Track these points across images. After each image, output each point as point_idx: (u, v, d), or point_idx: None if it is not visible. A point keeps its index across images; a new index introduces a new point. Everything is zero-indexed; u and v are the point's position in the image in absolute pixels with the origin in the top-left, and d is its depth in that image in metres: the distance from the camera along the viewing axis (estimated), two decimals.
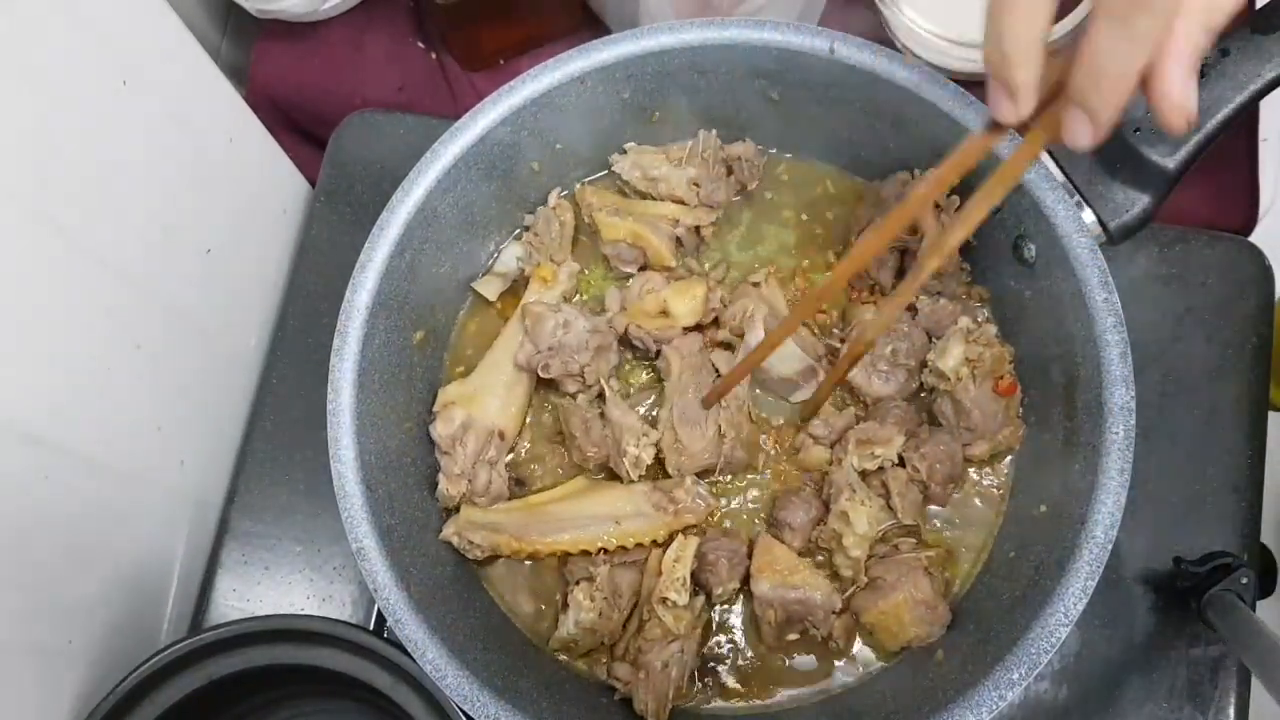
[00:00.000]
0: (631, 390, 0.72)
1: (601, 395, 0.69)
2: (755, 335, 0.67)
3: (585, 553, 0.66)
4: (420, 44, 0.90)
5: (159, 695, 0.59)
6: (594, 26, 0.87)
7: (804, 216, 0.75)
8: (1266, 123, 0.85)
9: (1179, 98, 0.42)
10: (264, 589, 0.76)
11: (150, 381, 0.68)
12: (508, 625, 0.67)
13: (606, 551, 0.66)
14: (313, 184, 0.86)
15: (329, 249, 0.82)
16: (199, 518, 0.77)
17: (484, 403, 0.69)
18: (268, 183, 0.83)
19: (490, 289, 0.74)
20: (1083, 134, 0.44)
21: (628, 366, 0.72)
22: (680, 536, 0.66)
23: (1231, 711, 0.70)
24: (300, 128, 0.92)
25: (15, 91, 0.52)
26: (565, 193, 0.76)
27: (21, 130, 0.53)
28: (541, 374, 0.68)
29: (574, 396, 0.70)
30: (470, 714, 0.56)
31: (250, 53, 0.91)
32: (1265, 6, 0.62)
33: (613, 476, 0.69)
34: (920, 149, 0.67)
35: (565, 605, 0.65)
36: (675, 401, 0.67)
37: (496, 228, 0.74)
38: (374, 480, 0.62)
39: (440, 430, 0.67)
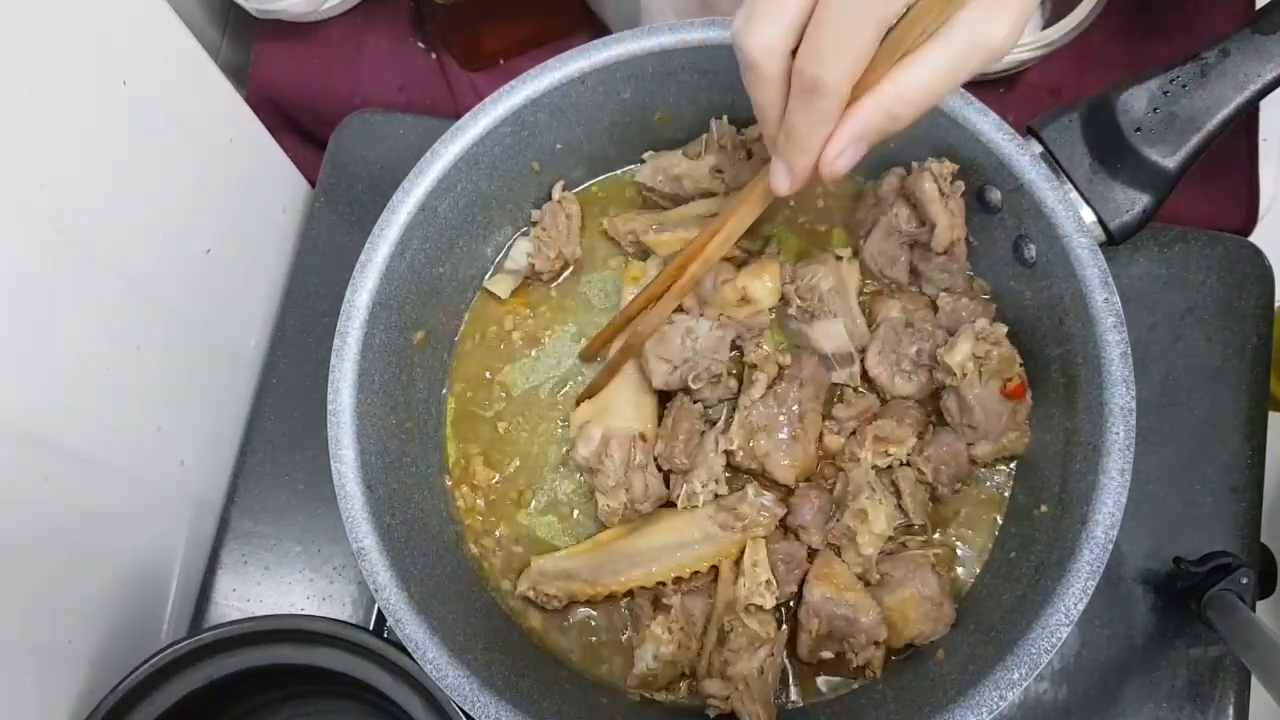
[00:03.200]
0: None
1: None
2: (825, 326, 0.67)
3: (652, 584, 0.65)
4: (420, 44, 0.90)
5: (159, 695, 0.59)
6: (594, 26, 0.87)
7: (802, 216, 0.75)
8: (1266, 123, 0.85)
9: (831, 161, 0.49)
10: (264, 589, 0.76)
11: (150, 382, 0.68)
12: (508, 625, 0.67)
13: (675, 581, 0.65)
14: (313, 184, 0.86)
15: (329, 249, 0.82)
16: (199, 518, 0.77)
17: (618, 412, 0.68)
18: (268, 183, 0.83)
19: (502, 287, 0.73)
20: (782, 182, 0.52)
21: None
22: (749, 542, 0.64)
23: (1231, 711, 0.70)
24: (300, 128, 0.92)
25: (14, 92, 0.52)
26: (572, 187, 0.75)
27: (21, 130, 0.53)
28: (693, 385, 0.66)
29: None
30: (471, 714, 0.56)
31: (250, 53, 0.91)
32: (1265, 6, 0.62)
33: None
34: (920, 147, 0.67)
35: (641, 640, 0.64)
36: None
37: (497, 227, 0.74)
38: (374, 480, 0.62)
39: (583, 451, 0.66)
